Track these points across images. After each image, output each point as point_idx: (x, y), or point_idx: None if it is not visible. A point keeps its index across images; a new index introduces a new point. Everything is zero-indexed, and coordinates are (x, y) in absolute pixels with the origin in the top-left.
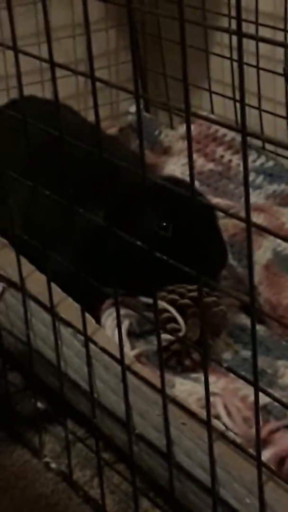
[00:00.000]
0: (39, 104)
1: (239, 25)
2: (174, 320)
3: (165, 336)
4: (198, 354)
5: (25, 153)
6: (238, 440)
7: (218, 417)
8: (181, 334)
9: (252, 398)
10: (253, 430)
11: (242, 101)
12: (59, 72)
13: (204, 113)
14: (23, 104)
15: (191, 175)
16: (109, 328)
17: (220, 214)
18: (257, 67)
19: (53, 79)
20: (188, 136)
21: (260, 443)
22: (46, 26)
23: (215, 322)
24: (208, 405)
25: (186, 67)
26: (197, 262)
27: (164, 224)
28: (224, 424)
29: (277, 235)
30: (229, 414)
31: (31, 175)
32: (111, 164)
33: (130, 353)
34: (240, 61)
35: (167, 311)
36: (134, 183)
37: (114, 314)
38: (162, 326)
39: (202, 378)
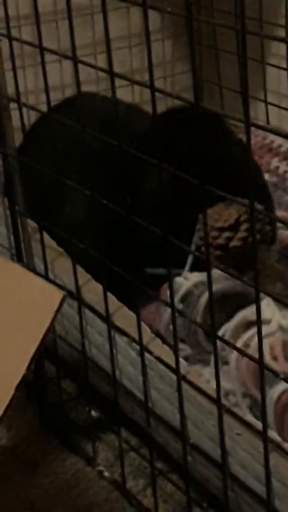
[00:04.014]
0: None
1: None
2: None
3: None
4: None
5: (83, 159)
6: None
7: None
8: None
9: None
10: None
11: None
12: (116, 82)
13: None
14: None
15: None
16: None
17: (278, 225)
18: None
19: (112, 88)
20: (248, 145)
21: None
22: (106, 36)
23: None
24: (264, 416)
25: (246, 77)
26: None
27: None
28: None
29: None
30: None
31: (88, 181)
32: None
33: (185, 362)
34: None
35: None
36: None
37: None
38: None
39: None
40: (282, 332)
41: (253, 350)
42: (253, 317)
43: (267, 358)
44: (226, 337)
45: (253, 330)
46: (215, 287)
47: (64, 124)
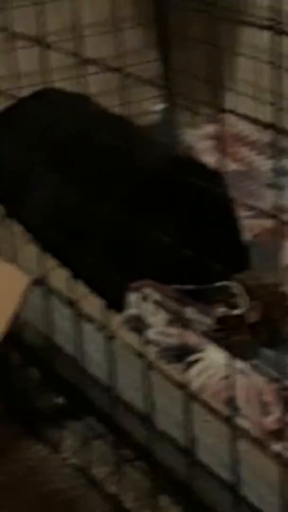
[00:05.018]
0: (60, 96)
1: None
2: (236, 297)
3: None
4: (249, 337)
5: (50, 145)
6: (250, 426)
7: (235, 399)
8: (240, 311)
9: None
10: (268, 419)
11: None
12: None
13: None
14: (48, 97)
15: (221, 171)
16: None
17: (245, 214)
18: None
19: (82, 75)
20: (222, 132)
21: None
22: (74, 23)
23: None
24: (232, 401)
25: (215, 64)
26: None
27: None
28: (237, 407)
29: None
30: (247, 397)
31: (57, 167)
32: (132, 151)
33: (152, 349)
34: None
35: (231, 288)
36: (156, 171)
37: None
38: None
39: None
40: None
41: None
42: None
43: None
44: None
45: None
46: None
47: (33, 114)
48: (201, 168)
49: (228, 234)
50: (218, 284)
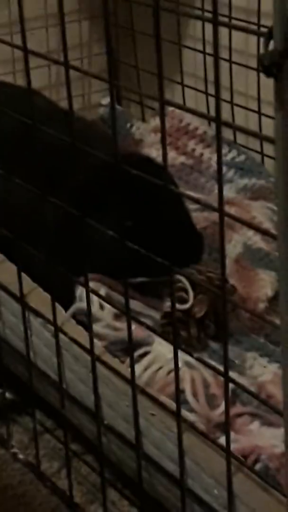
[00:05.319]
0: (8, 90)
1: (215, 12)
2: (185, 291)
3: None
4: (196, 331)
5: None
6: (197, 419)
7: (182, 391)
8: (187, 306)
9: None
10: (215, 412)
11: (217, 90)
12: (31, 63)
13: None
14: None
15: (165, 165)
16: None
17: (192, 207)
18: (230, 61)
19: (27, 68)
20: (162, 124)
21: (230, 435)
22: (20, 15)
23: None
24: (178, 395)
25: (161, 58)
26: (170, 252)
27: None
28: (185, 400)
29: (250, 225)
30: (194, 390)
31: (3, 163)
32: (82, 148)
33: (99, 343)
34: (216, 50)
35: (180, 281)
36: (103, 167)
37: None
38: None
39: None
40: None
41: None
42: None
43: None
44: None
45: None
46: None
47: None
48: (147, 162)
49: (181, 224)
50: (167, 278)
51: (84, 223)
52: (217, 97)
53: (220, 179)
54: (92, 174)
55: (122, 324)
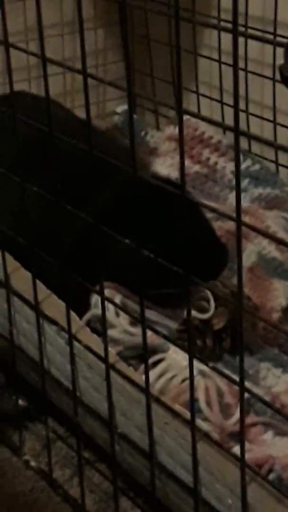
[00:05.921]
0: (29, 100)
1: (234, 22)
2: (207, 301)
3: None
4: (211, 342)
5: (15, 150)
6: (211, 428)
7: (196, 400)
8: (206, 316)
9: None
10: (229, 422)
11: (235, 98)
12: (48, 70)
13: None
14: (13, 100)
15: (182, 174)
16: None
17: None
18: (246, 70)
19: (45, 75)
20: (180, 134)
21: (244, 445)
22: (38, 22)
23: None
24: (192, 403)
25: (180, 66)
26: (196, 265)
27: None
28: (199, 409)
29: (266, 234)
30: (208, 399)
31: (21, 172)
32: (102, 161)
33: (113, 351)
34: (235, 59)
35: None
36: (126, 182)
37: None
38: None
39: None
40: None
41: None
42: None
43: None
44: None
45: None
46: None
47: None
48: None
49: (205, 236)
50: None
51: (109, 236)
52: (236, 107)
53: (238, 189)
54: (120, 190)
55: (137, 330)
